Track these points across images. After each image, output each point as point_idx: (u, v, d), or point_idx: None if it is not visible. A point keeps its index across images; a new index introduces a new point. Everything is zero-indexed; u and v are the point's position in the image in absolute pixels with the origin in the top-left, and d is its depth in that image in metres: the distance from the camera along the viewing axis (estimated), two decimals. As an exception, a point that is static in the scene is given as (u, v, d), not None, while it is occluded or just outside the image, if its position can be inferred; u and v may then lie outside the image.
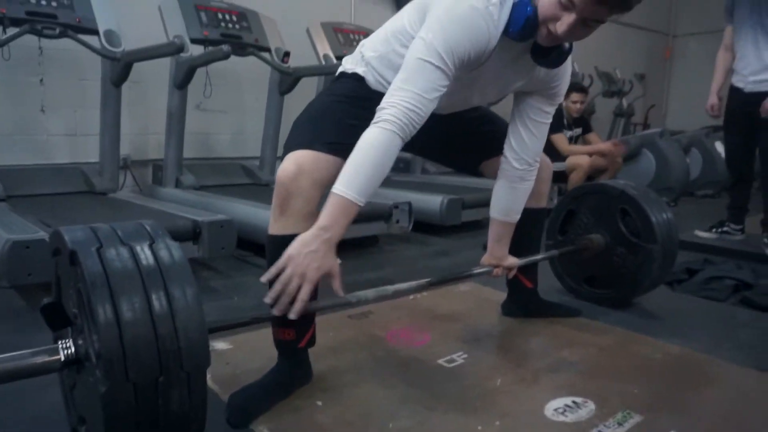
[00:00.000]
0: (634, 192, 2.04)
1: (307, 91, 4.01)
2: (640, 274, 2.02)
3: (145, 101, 3.85)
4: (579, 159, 4.09)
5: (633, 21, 7.85)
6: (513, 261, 1.72)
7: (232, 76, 4.22)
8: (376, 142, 1.20)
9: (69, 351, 0.99)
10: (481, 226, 3.78)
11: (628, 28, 7.80)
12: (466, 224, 3.59)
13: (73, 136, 3.63)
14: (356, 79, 1.47)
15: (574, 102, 4.26)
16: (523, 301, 1.97)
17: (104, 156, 3.32)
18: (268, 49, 3.60)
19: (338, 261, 1.22)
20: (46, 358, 0.99)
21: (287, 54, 3.61)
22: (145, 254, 0.97)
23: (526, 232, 1.82)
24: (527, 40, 1.31)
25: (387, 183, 4.09)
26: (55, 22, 2.84)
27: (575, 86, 4.33)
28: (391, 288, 1.48)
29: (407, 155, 4.98)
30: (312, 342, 1.43)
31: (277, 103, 3.88)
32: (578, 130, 4.38)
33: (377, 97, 1.27)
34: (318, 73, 3.90)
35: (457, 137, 1.67)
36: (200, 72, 3.60)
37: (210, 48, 3.32)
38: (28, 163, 3.40)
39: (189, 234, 2.40)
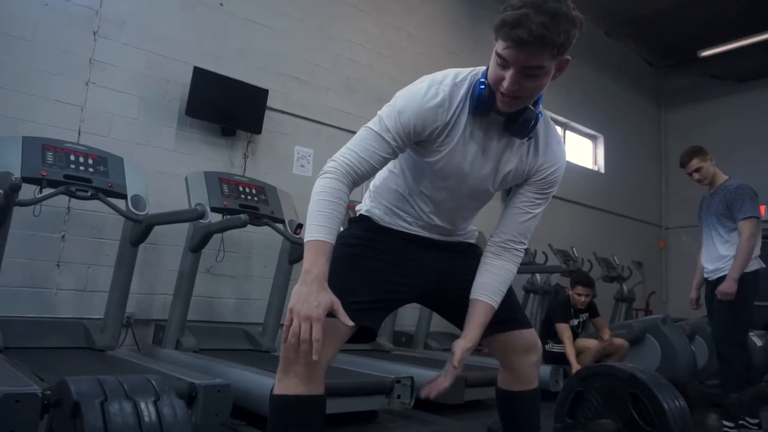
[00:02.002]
0: (644, 377, 2.01)
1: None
2: (656, 467, 1.90)
3: (157, 263, 3.96)
4: (587, 342, 4.09)
5: (627, 213, 8.31)
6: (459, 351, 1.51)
7: (245, 244, 4.39)
8: (322, 188, 1.34)
9: None
10: (484, 406, 3.63)
11: (623, 219, 8.22)
12: (469, 403, 3.45)
13: (82, 291, 3.68)
14: (361, 220, 1.56)
15: (579, 295, 4.26)
16: (531, 489, 1.82)
17: (109, 313, 3.33)
18: (282, 221, 3.80)
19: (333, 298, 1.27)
20: None
21: (300, 226, 3.80)
22: (148, 411, 0.96)
23: (519, 414, 1.76)
24: (489, 110, 1.40)
25: (389, 357, 4.04)
26: (89, 186, 3.05)
27: (581, 280, 4.36)
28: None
29: (410, 329, 4.96)
30: None
31: (286, 272, 3.98)
32: (585, 316, 4.38)
33: (385, 236, 1.38)
34: (327, 244, 4.05)
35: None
36: (215, 238, 3.76)
37: (228, 216, 3.52)
38: (33, 315, 3.41)
39: (184, 396, 2.31)
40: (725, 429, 3.24)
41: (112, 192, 3.16)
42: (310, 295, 1.23)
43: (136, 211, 3.16)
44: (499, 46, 1.29)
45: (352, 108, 5.06)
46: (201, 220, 3.31)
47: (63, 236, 3.62)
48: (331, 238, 1.30)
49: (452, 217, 1.61)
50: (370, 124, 1.41)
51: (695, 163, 3.39)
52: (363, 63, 5.40)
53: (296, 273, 3.99)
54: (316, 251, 1.28)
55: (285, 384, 1.33)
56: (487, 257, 1.60)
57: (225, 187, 3.67)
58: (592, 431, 2.01)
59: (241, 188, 3.74)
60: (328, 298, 1.25)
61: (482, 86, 1.38)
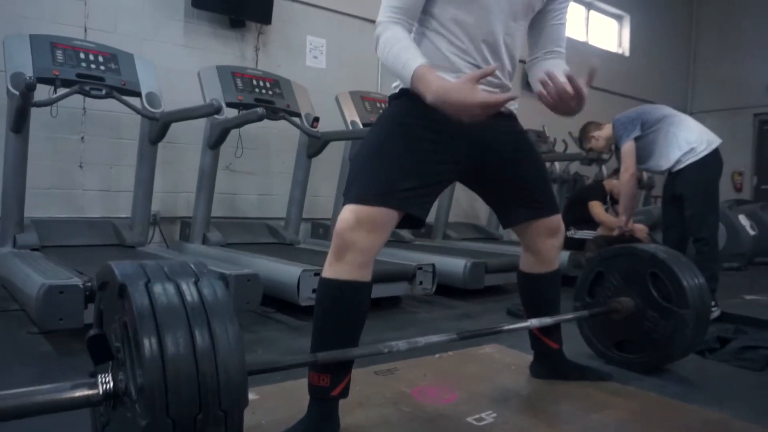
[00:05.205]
0: (664, 256, 2.04)
1: (333, 155, 4.14)
2: (672, 340, 1.98)
3: (177, 161, 3.99)
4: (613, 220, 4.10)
5: (652, 98, 8.02)
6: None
7: (262, 140, 4.37)
8: (385, 40, 1.41)
9: (108, 385, 1.00)
10: (504, 291, 3.75)
11: (646, 104, 7.95)
12: (488, 289, 3.57)
13: (107, 191, 3.75)
14: (402, 95, 1.51)
15: None
16: (550, 362, 1.93)
17: (136, 211, 3.41)
18: (298, 114, 3.75)
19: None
20: (86, 392, 0.99)
21: (316, 119, 3.75)
22: (190, 291, 0.99)
23: (542, 294, 1.84)
24: None
25: (410, 246, 4.13)
26: (102, 84, 3.01)
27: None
28: (422, 340, 1.47)
29: (430, 220, 5.03)
30: (345, 393, 1.42)
31: (305, 166, 3.99)
32: (609, 203, 4.37)
33: (431, 108, 1.32)
34: (345, 138, 4.03)
35: (513, 186, 1.68)
36: (232, 135, 3.74)
37: (244, 111, 3.47)
38: (63, 215, 3.51)
39: (216, 287, 2.42)
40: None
41: (125, 90, 3.11)
42: (459, 101, 1.26)
43: (151, 109, 3.14)
44: None
45: (365, -7, 4.80)
46: (217, 116, 3.28)
47: (82, 138, 3.63)
48: (423, 59, 1.35)
49: (497, 49, 1.54)
50: None
51: (587, 148, 3.58)
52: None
53: (315, 167, 4.03)
54: (423, 74, 1.32)
55: (337, 269, 1.39)
56: (541, 64, 1.66)
57: (239, 81, 3.59)
58: (610, 308, 2.07)
59: (255, 82, 3.66)
60: (464, 89, 1.26)
61: None
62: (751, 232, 5.66)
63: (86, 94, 2.98)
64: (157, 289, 0.97)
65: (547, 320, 1.79)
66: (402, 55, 1.36)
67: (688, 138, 3.10)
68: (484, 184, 1.72)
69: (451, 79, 1.37)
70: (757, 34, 7.79)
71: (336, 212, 4.32)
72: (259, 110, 3.01)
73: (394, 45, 1.38)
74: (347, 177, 1.50)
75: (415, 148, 1.46)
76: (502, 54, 1.56)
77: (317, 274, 2.68)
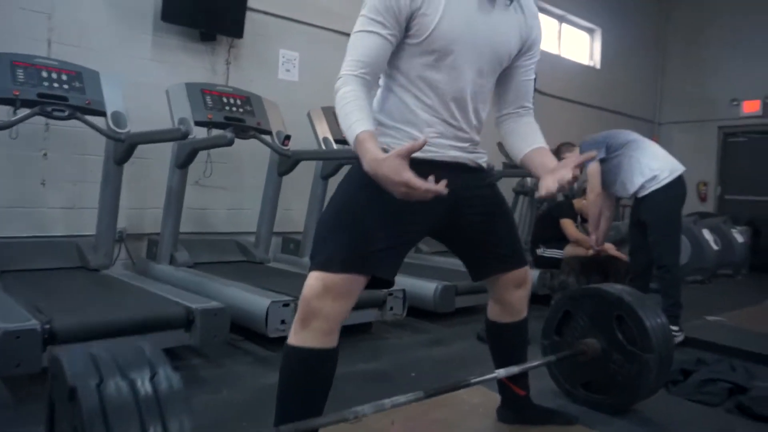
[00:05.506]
0: (630, 299, 2.06)
1: (307, 169, 4.10)
2: (637, 383, 2.01)
3: (145, 176, 3.89)
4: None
5: (621, 109, 8.15)
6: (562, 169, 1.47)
7: (233, 154, 4.28)
8: (339, 98, 1.36)
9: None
10: (475, 312, 3.76)
11: (617, 115, 8.08)
12: (460, 311, 3.58)
13: (71, 209, 3.64)
14: None
15: None
16: (517, 408, 1.94)
17: (101, 231, 3.32)
18: (269, 132, 3.69)
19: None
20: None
21: (288, 137, 3.70)
22: (144, 388, 0.96)
23: (509, 344, 1.86)
24: None
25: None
26: (65, 105, 2.91)
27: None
28: (388, 402, 1.47)
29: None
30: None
31: (275, 184, 3.94)
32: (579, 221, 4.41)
33: None
34: (316, 158, 3.99)
35: (483, 241, 1.68)
36: (202, 151, 3.66)
37: (214, 131, 3.41)
38: (24, 235, 3.39)
39: (182, 321, 2.37)
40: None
41: (90, 110, 3.02)
42: (386, 176, 1.23)
43: (117, 129, 3.05)
44: None
45: (340, 7, 4.73)
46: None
47: (45, 154, 3.51)
48: (369, 125, 1.32)
49: (464, 105, 1.53)
50: (357, 28, 1.40)
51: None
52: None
53: (287, 180, 3.98)
54: (363, 140, 1.29)
55: (303, 336, 1.38)
56: (514, 123, 1.68)
57: (208, 98, 3.51)
58: (577, 350, 2.09)
59: (225, 99, 3.59)
60: (392, 166, 1.22)
61: None
62: (715, 247, 5.81)
63: (48, 115, 2.89)
64: (110, 389, 0.93)
65: (514, 369, 1.80)
66: (351, 116, 1.32)
67: (651, 165, 3.15)
68: (454, 239, 1.71)
69: (399, 144, 1.38)
70: (723, 51, 7.98)
71: (308, 227, 4.30)
72: (228, 135, 2.96)
73: (348, 103, 1.34)
74: (313, 239, 1.48)
75: (388, 207, 1.42)
76: (469, 110, 1.55)
77: (286, 304, 2.65)
